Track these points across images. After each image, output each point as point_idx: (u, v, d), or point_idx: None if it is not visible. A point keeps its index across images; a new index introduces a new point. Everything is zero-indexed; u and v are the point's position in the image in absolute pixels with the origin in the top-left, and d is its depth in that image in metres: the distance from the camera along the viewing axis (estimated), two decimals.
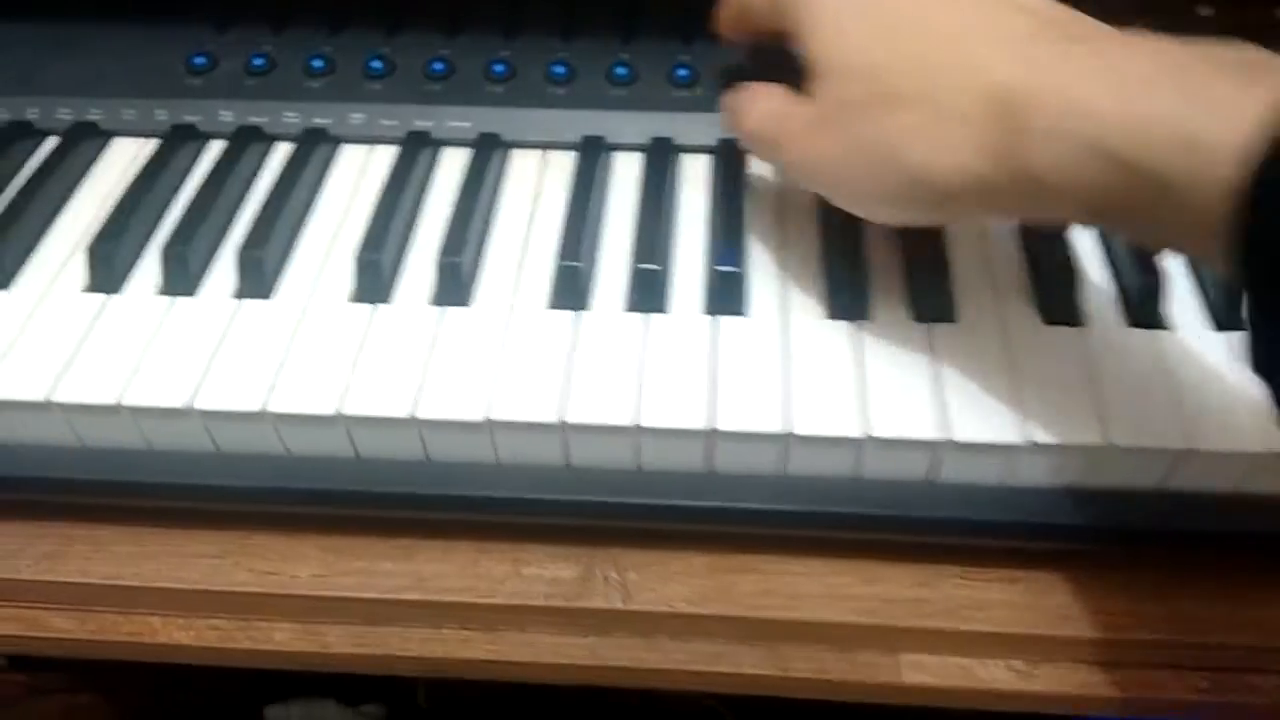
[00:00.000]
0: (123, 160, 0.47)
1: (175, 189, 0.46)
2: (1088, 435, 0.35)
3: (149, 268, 0.42)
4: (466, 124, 0.47)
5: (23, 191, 0.45)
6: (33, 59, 0.50)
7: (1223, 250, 0.26)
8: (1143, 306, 0.39)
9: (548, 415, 0.37)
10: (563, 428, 0.37)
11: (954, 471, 0.37)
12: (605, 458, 0.38)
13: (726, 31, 0.41)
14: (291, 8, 0.51)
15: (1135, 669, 0.37)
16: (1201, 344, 0.38)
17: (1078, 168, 0.28)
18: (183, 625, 0.40)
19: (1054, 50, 0.30)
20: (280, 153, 0.47)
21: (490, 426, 0.37)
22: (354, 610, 0.39)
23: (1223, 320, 0.39)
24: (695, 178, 0.46)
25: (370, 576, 0.39)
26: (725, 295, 0.40)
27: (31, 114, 0.49)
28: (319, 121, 0.47)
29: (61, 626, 0.40)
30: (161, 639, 0.40)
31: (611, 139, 0.47)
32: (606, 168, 0.46)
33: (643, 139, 0.47)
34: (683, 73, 0.48)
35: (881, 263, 0.41)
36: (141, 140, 0.48)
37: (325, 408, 0.37)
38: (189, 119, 0.48)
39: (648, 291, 0.40)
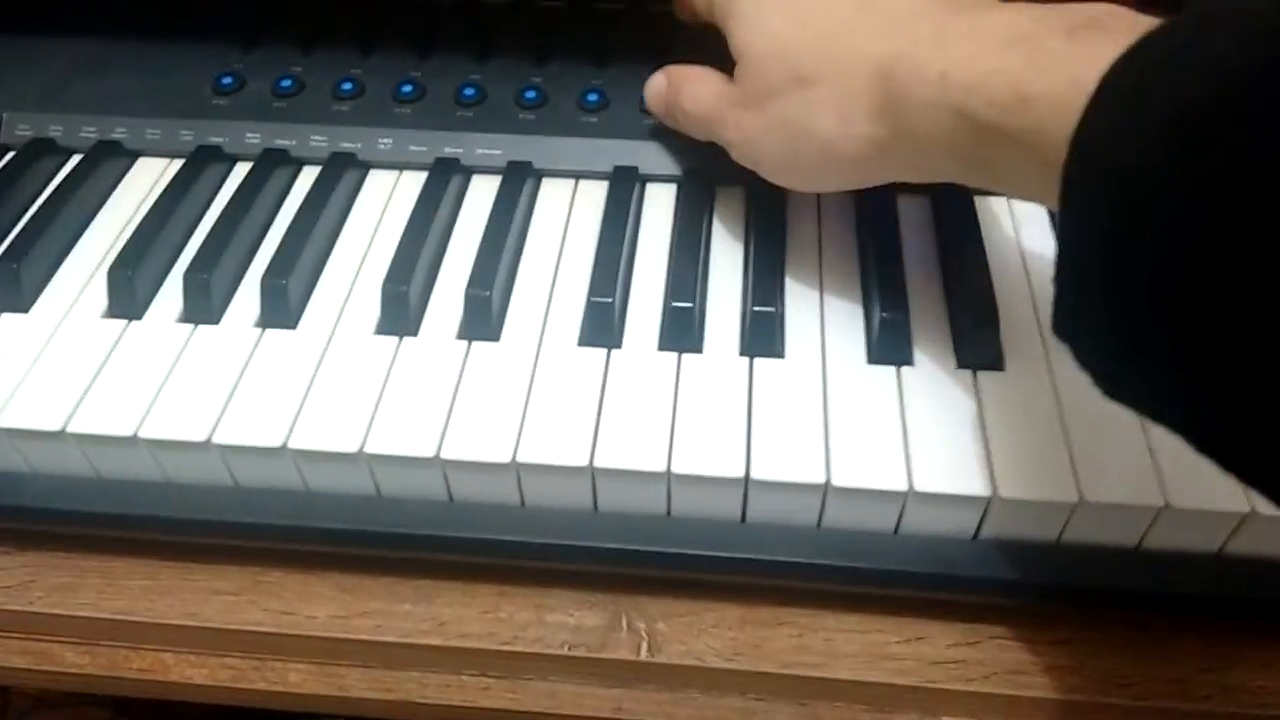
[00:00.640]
0: (146, 180, 0.47)
1: (199, 212, 0.45)
2: (1147, 495, 0.34)
3: (171, 293, 0.41)
4: (497, 151, 0.46)
5: (44, 210, 0.44)
6: (58, 75, 0.50)
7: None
8: None
9: (576, 459, 0.35)
10: (592, 472, 0.35)
11: (999, 528, 0.35)
12: (635, 503, 0.36)
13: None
14: (321, 29, 0.50)
15: None
16: None
17: (946, 130, 0.31)
18: (195, 663, 0.39)
19: (933, 25, 0.33)
20: (307, 176, 0.46)
21: (517, 469, 0.36)
22: (372, 653, 0.38)
23: None
24: (730, 212, 0.44)
25: (389, 619, 0.38)
26: (761, 336, 0.39)
27: (55, 131, 0.48)
28: (346, 145, 0.46)
29: (73, 661, 0.39)
30: (174, 676, 0.39)
31: (645, 169, 0.46)
32: (639, 199, 0.45)
33: (676, 171, 0.45)
34: None
35: (924, 305, 0.40)
36: (166, 160, 0.47)
37: (348, 445, 0.36)
38: (214, 140, 0.47)
39: (682, 330, 0.39)
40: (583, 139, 0.46)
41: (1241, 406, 0.23)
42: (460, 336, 0.39)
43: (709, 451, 0.35)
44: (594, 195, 0.45)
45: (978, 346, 0.38)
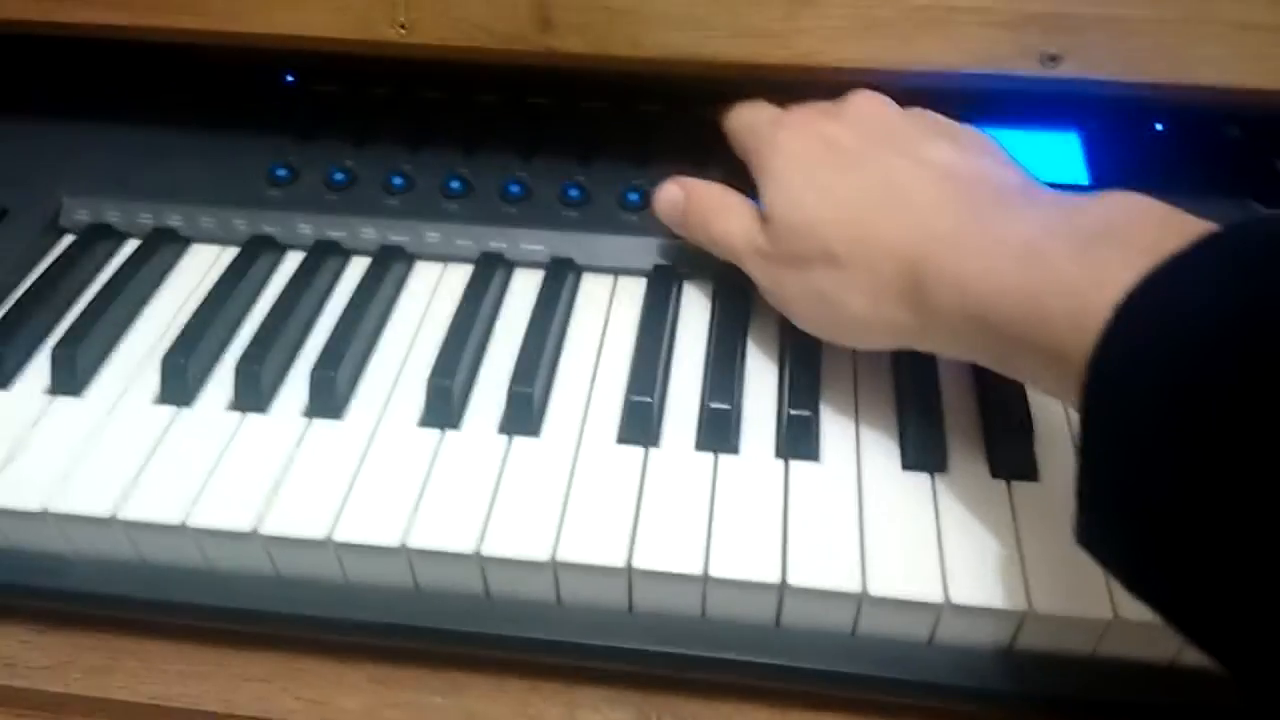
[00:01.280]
0: (200, 267, 0.48)
1: (251, 301, 0.46)
2: None
3: (221, 381, 0.42)
4: (540, 247, 0.47)
5: (100, 295, 0.45)
6: (116, 162, 0.51)
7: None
8: None
9: (614, 559, 0.36)
10: (629, 572, 0.36)
11: (1034, 640, 0.35)
12: (670, 604, 0.37)
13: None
14: (373, 125, 0.52)
15: None
16: None
17: (969, 332, 0.33)
18: None
19: (952, 225, 0.34)
20: (356, 267, 0.48)
21: (554, 567, 0.36)
22: None
23: None
24: (766, 313, 0.45)
25: (419, 710, 0.38)
26: (798, 439, 0.39)
27: (112, 216, 0.49)
28: (395, 238, 0.48)
29: None
30: None
31: (683, 268, 0.47)
32: (677, 297, 0.46)
33: (714, 270, 0.46)
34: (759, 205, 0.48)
35: (958, 413, 0.41)
36: (219, 248, 0.49)
37: (390, 539, 0.36)
38: (267, 230, 0.48)
39: (719, 431, 0.40)
40: (623, 236, 0.47)
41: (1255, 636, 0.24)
42: (502, 431, 0.40)
43: (745, 555, 0.36)
44: (633, 292, 0.46)
45: (1011, 455, 0.39)
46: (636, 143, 0.51)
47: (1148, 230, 0.29)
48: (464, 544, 0.36)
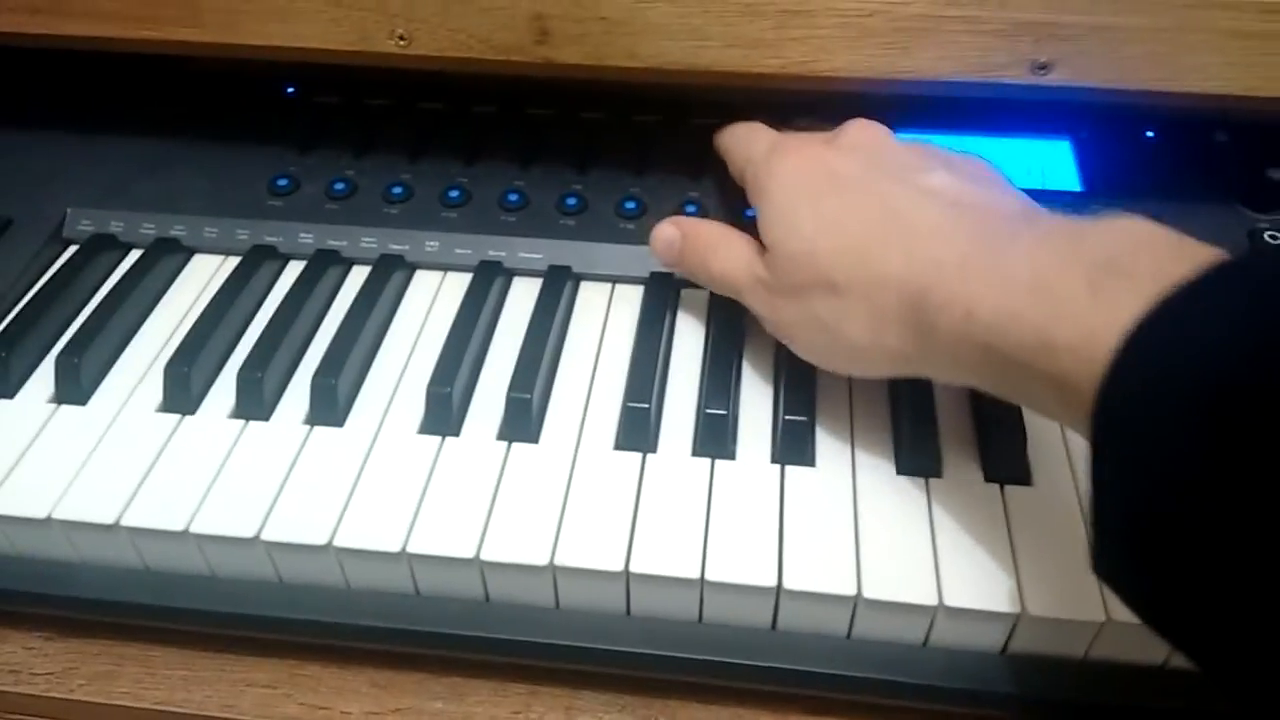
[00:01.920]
0: (202, 276, 0.49)
1: (253, 310, 0.47)
2: None
3: (224, 389, 0.43)
4: (538, 255, 0.48)
5: (104, 305, 0.46)
6: (120, 173, 0.52)
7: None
8: None
9: (611, 564, 0.36)
10: (626, 577, 0.36)
11: (1028, 643, 0.36)
12: (668, 608, 0.37)
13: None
14: (373, 135, 0.53)
15: None
16: None
17: (973, 360, 0.32)
18: None
19: (956, 253, 0.34)
20: (356, 276, 0.48)
21: (553, 571, 0.37)
22: None
23: None
24: None
25: (420, 715, 0.39)
26: (793, 445, 0.40)
27: (116, 227, 0.50)
28: (395, 247, 0.48)
29: None
30: None
31: (680, 276, 0.47)
32: (673, 304, 0.47)
33: None
34: (752, 214, 0.48)
35: (952, 418, 0.41)
36: (221, 257, 0.49)
37: (391, 545, 0.37)
38: (269, 239, 0.49)
39: (715, 437, 0.40)
40: (621, 245, 0.48)
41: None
42: (500, 437, 0.41)
43: (742, 560, 0.36)
44: (630, 299, 0.47)
45: (1004, 460, 0.39)
46: (633, 152, 0.51)
47: (1155, 258, 0.29)
48: (464, 549, 0.36)
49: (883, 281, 0.35)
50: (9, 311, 0.46)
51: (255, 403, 0.41)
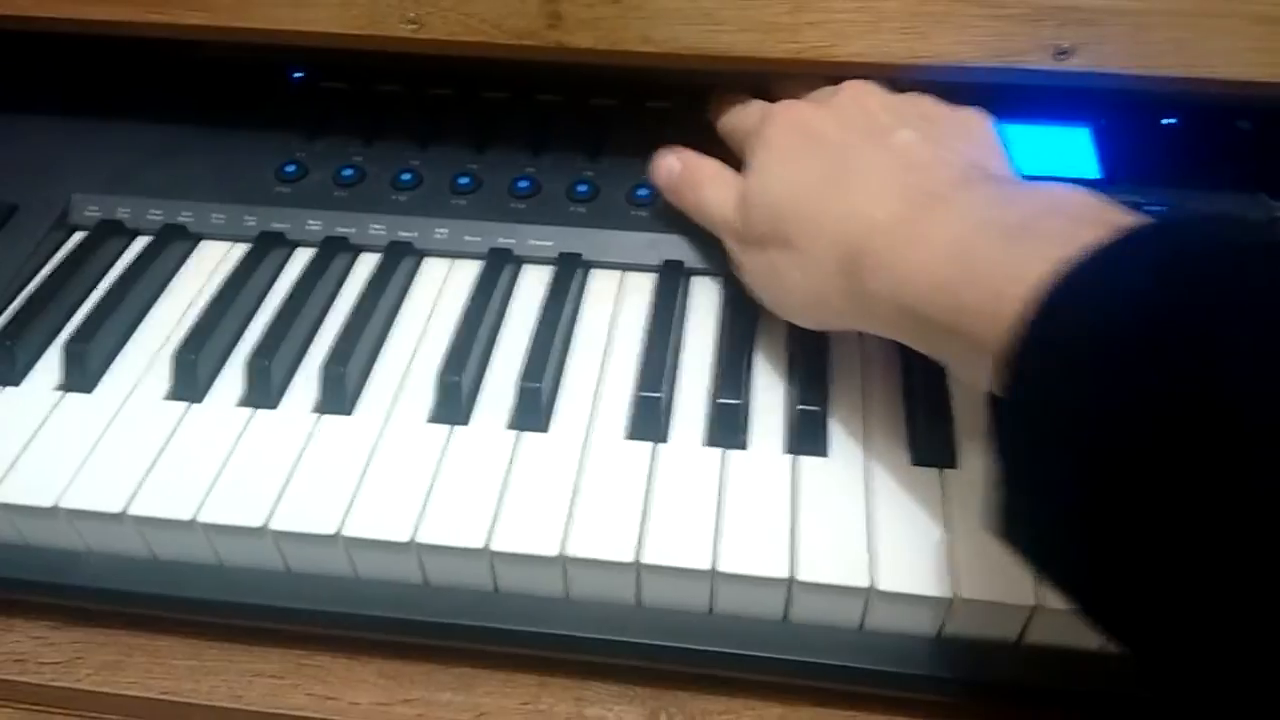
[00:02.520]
0: (209, 263, 0.48)
1: (260, 297, 0.46)
2: None
3: (231, 377, 0.42)
4: (548, 243, 0.47)
5: (111, 292, 0.45)
6: (126, 159, 0.51)
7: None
8: None
9: (623, 554, 0.36)
10: (637, 567, 0.36)
11: (1044, 634, 0.35)
12: (678, 599, 0.37)
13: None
14: (382, 121, 0.52)
15: None
16: None
17: (899, 320, 0.34)
18: None
19: (891, 217, 0.35)
20: (365, 263, 0.48)
21: (563, 562, 0.36)
22: None
23: None
24: None
25: (429, 707, 0.38)
26: (806, 434, 0.39)
27: (123, 213, 0.50)
28: (404, 234, 0.48)
29: None
30: None
31: (691, 263, 0.47)
32: (685, 292, 0.46)
33: (722, 266, 0.46)
34: None
35: (967, 409, 0.40)
36: (229, 244, 0.49)
37: (400, 535, 0.36)
38: (277, 226, 0.48)
39: (727, 427, 0.40)
40: (632, 232, 0.47)
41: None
42: (511, 427, 0.40)
43: (754, 551, 0.35)
44: (642, 287, 0.46)
45: None
46: (645, 139, 0.50)
47: (1070, 222, 0.29)
48: (473, 539, 0.36)
49: (824, 238, 0.36)
50: (14, 299, 0.46)
51: (263, 391, 0.41)
